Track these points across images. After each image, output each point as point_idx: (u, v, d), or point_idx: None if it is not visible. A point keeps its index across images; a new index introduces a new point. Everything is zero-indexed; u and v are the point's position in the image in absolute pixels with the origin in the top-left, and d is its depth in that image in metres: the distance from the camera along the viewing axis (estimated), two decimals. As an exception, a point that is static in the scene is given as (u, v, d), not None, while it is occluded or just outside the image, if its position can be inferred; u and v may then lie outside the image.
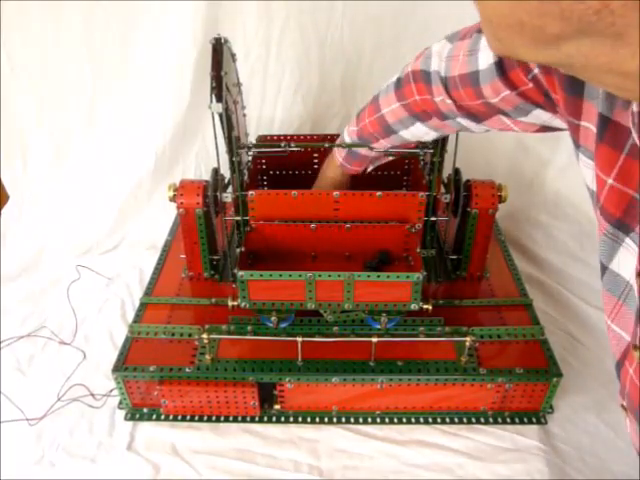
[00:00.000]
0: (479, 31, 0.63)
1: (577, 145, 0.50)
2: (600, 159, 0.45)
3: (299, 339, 0.83)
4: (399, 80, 0.83)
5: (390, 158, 1.00)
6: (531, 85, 0.55)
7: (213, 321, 0.93)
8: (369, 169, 1.00)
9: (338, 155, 0.97)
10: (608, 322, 0.48)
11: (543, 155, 1.30)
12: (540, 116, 0.61)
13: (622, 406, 0.49)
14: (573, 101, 0.48)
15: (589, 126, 0.47)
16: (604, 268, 0.47)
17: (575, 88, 0.47)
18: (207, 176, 1.02)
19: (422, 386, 0.85)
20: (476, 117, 0.72)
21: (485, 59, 0.60)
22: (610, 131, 0.43)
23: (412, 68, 0.80)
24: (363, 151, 0.93)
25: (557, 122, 0.59)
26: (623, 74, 0.30)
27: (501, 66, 0.58)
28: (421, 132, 0.86)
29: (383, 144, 0.91)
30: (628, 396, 0.46)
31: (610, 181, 0.44)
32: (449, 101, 0.71)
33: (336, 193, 0.91)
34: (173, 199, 0.95)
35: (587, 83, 0.45)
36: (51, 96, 1.29)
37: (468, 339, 0.84)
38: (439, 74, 0.72)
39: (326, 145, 1.09)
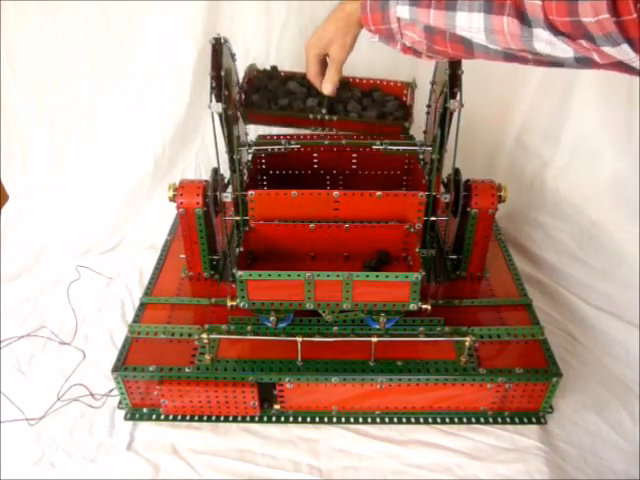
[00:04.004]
0: None
1: None
2: None
3: (299, 339, 0.83)
4: None
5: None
6: (635, 16, 0.53)
7: (213, 321, 0.93)
8: (375, 39, 0.73)
9: None
10: None
11: (543, 155, 1.30)
12: (627, 52, 0.58)
13: None
14: None
15: None
16: None
17: None
18: (207, 176, 1.02)
19: (422, 386, 0.85)
20: (558, 31, 0.58)
21: None
22: None
23: None
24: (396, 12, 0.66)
25: (637, 64, 0.57)
26: None
27: None
28: (476, 27, 0.64)
29: (418, 34, 0.66)
30: None
31: None
32: (538, 1, 0.58)
33: (336, 193, 0.91)
34: (173, 199, 0.95)
35: None
36: (51, 96, 1.29)
37: (468, 339, 0.84)
38: None
39: (326, 143, 1.09)
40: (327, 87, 0.80)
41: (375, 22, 0.69)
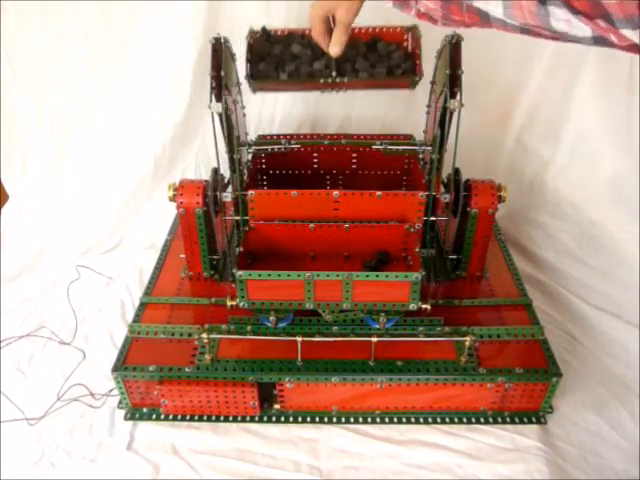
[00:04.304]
0: None
1: None
2: None
3: (299, 339, 0.83)
4: None
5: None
6: None
7: (213, 321, 0.93)
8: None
9: None
10: None
11: (543, 155, 1.30)
12: None
13: None
14: None
15: None
16: None
17: None
18: (207, 176, 1.02)
19: (422, 386, 0.85)
20: (575, 10, 0.57)
21: None
22: None
23: None
24: None
25: None
26: None
27: None
28: (494, 1, 0.61)
29: (433, 2, 0.63)
30: None
31: None
32: None
33: (336, 193, 0.91)
34: (173, 199, 0.95)
35: None
36: (51, 96, 1.29)
37: (468, 339, 0.84)
38: None
39: (326, 142, 1.09)
40: (334, 49, 0.79)
41: None
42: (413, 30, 0.96)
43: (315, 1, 0.77)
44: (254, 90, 0.96)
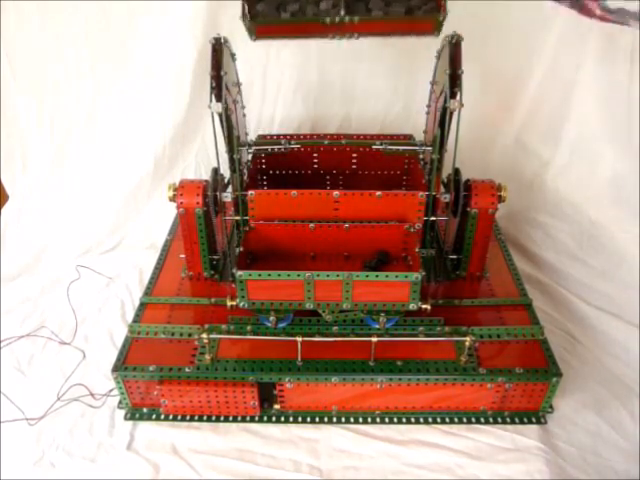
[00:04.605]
0: None
1: None
2: None
3: (299, 339, 0.83)
4: None
5: None
6: None
7: (213, 321, 0.92)
8: None
9: None
10: None
11: (543, 155, 1.30)
12: None
13: None
14: None
15: None
16: None
17: None
18: (207, 176, 1.02)
19: (422, 386, 0.85)
20: None
21: None
22: None
23: None
24: None
25: None
26: None
27: None
28: None
29: None
30: None
31: None
32: None
33: (336, 193, 0.91)
34: (173, 199, 0.95)
35: None
36: (51, 96, 1.29)
37: (468, 339, 0.84)
38: None
39: (326, 142, 1.09)
40: None
41: None
42: None
43: None
44: (252, 34, 0.84)
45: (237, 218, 0.99)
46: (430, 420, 0.89)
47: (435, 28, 0.82)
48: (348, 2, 0.80)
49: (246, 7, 0.82)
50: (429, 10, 0.81)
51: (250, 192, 0.92)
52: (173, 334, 0.91)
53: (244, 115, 1.05)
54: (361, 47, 1.33)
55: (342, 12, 0.79)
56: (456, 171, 0.99)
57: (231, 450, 0.85)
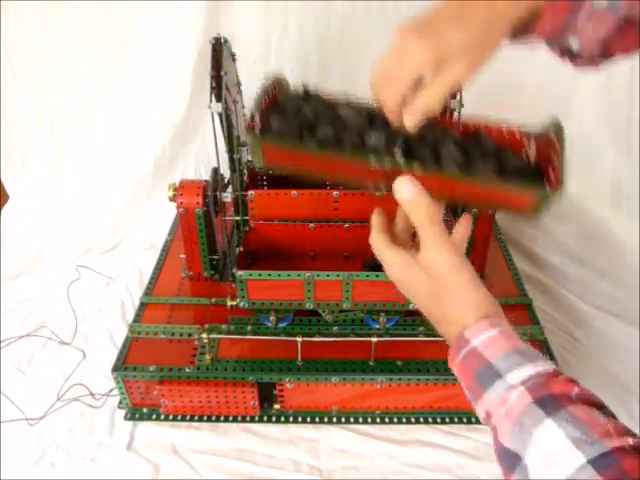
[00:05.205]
0: None
1: None
2: None
3: (299, 339, 0.83)
4: None
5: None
6: None
7: (213, 321, 0.92)
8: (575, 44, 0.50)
9: None
10: None
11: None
12: None
13: None
14: None
15: None
16: None
17: None
18: (207, 176, 1.02)
19: (422, 386, 0.85)
20: None
21: None
22: None
23: None
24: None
25: None
26: None
27: None
28: None
29: (607, 24, 0.47)
30: None
31: None
32: None
33: (336, 193, 0.91)
34: (173, 199, 0.95)
35: None
36: (51, 96, 1.29)
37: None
38: None
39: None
40: (413, 118, 0.48)
41: (559, 12, 0.46)
42: (551, 131, 0.57)
43: (408, 28, 0.46)
44: (257, 156, 0.55)
45: (237, 218, 0.99)
46: (430, 420, 0.89)
47: (535, 207, 0.51)
48: (410, 143, 0.53)
49: (256, 116, 0.56)
50: (531, 177, 0.53)
51: (250, 192, 0.92)
52: (173, 334, 0.91)
53: (244, 115, 1.05)
54: (362, 47, 1.34)
55: (398, 156, 0.52)
56: (456, 171, 0.98)
57: (231, 450, 0.85)
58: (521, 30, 0.49)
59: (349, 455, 0.84)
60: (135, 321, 0.94)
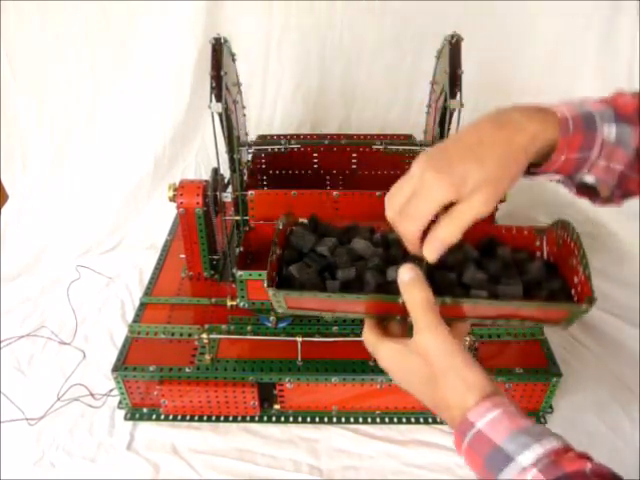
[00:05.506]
0: None
1: None
2: None
3: (299, 339, 0.83)
4: None
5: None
6: None
7: (213, 321, 0.93)
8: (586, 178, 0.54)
9: (565, 109, 0.50)
10: None
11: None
12: None
13: None
14: None
15: None
16: None
17: None
18: (207, 176, 1.02)
19: (422, 386, 0.85)
20: None
21: None
22: None
23: None
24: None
25: None
26: None
27: None
28: None
29: (620, 161, 0.50)
30: None
31: None
32: None
33: (336, 193, 0.91)
34: (173, 199, 0.95)
35: None
36: (51, 96, 1.29)
37: (468, 339, 0.84)
38: None
39: (326, 142, 1.09)
40: (432, 250, 0.48)
41: (573, 147, 0.48)
42: (558, 228, 0.61)
43: (428, 157, 0.51)
44: (280, 305, 0.55)
45: (237, 218, 0.99)
46: (430, 420, 0.89)
47: (567, 320, 0.52)
48: (432, 272, 0.51)
49: (281, 268, 0.57)
50: (559, 291, 0.54)
51: (250, 192, 0.92)
52: (173, 334, 0.91)
53: (244, 115, 1.05)
54: (362, 47, 1.34)
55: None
56: (456, 171, 0.98)
57: (231, 450, 0.85)
58: (537, 165, 0.50)
59: (349, 455, 0.84)
60: (135, 321, 0.94)
